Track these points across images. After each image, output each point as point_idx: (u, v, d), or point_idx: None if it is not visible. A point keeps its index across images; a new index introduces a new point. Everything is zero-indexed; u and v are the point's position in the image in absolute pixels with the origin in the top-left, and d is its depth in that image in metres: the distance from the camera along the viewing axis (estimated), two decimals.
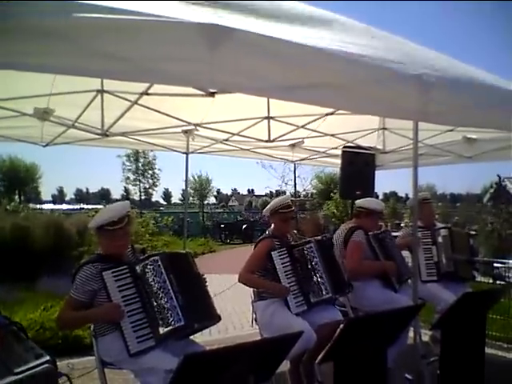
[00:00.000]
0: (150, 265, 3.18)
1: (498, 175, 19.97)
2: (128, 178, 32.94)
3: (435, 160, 6.30)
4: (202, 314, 3.32)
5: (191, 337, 3.37)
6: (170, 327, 3.06)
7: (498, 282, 7.32)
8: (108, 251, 3.24)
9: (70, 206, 38.87)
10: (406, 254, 5.03)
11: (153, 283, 3.14)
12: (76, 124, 4.41)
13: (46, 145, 5.17)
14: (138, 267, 3.16)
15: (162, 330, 3.04)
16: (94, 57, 1.75)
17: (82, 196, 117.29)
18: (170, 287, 3.16)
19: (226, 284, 9.62)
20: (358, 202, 4.90)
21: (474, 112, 2.71)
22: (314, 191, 25.83)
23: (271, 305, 3.89)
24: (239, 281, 3.95)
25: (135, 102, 3.95)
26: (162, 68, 1.86)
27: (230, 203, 75.20)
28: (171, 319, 3.07)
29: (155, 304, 3.10)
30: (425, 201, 5.14)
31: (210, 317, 3.39)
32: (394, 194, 52.61)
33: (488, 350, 4.03)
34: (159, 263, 3.19)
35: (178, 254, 3.65)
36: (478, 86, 2.76)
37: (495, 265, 7.76)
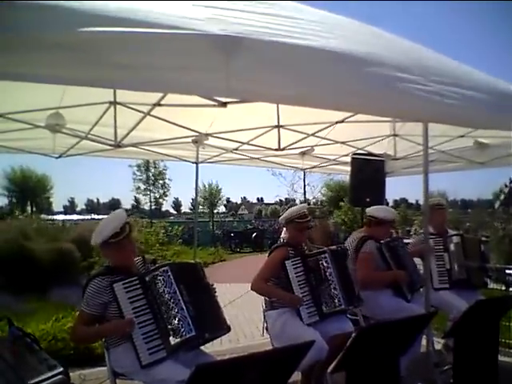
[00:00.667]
0: (160, 275, 3.17)
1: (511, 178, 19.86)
2: (138, 187, 33.00)
3: (447, 166, 6.27)
4: (212, 325, 3.33)
5: (202, 347, 3.37)
6: (181, 338, 3.06)
7: (510, 288, 7.23)
8: (117, 262, 3.24)
9: (81, 217, 39.08)
10: (418, 261, 4.99)
11: (163, 294, 3.13)
12: (89, 135, 4.45)
13: (59, 156, 5.22)
14: (147, 278, 3.15)
15: (173, 341, 3.04)
16: (108, 68, 1.78)
17: (92, 206, 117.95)
18: (180, 297, 3.16)
19: (237, 293, 9.60)
20: (368, 210, 4.82)
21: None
22: (324, 199, 25.80)
23: (283, 314, 3.87)
24: (252, 289, 3.93)
25: (148, 113, 3.98)
26: (177, 78, 1.89)
27: (240, 212, 75.25)
28: (182, 330, 3.07)
29: (166, 315, 3.09)
30: (438, 206, 5.08)
31: (219, 327, 3.40)
32: (404, 200, 52.29)
33: (501, 358, 3.98)
34: (169, 273, 3.19)
35: (188, 264, 3.65)
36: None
37: (507, 271, 7.67)
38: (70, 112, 3.88)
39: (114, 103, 3.83)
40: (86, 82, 1.89)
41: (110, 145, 4.56)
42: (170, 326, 3.07)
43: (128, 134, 4.41)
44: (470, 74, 3.06)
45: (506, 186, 20.58)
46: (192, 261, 3.79)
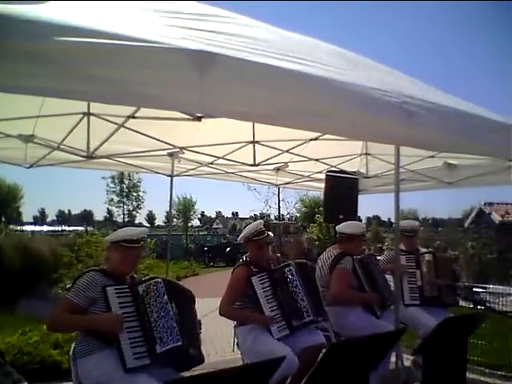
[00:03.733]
0: (154, 285, 3.27)
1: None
2: (112, 199, 32.83)
3: (417, 185, 6.39)
4: (193, 346, 3.39)
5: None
6: (167, 346, 3.12)
7: (478, 307, 7.35)
8: (115, 268, 3.27)
9: (52, 228, 38.35)
10: (390, 278, 5.03)
11: (154, 302, 3.21)
12: (61, 146, 4.40)
13: (30, 166, 5.14)
14: (140, 287, 3.22)
15: (158, 350, 3.08)
16: (81, 80, 1.76)
17: (63, 217, 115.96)
18: (170, 309, 3.27)
19: (209, 308, 9.46)
20: (338, 227, 4.90)
21: (453, 138, 2.79)
22: (298, 214, 25.85)
23: (253, 330, 3.86)
24: (220, 314, 3.93)
25: (121, 125, 3.96)
26: (151, 92, 1.89)
27: (214, 226, 74.72)
28: (170, 338, 3.15)
29: (154, 323, 3.14)
30: (407, 234, 5.18)
31: (197, 356, 3.44)
32: (376, 217, 52.83)
33: (469, 375, 4.03)
34: (162, 285, 3.32)
35: (180, 286, 3.74)
36: (455, 114, 2.86)
37: (476, 289, 7.81)
38: (44, 122, 3.84)
39: (88, 114, 3.81)
40: (58, 93, 1.87)
41: (83, 156, 4.51)
42: (156, 335, 3.11)
43: (101, 145, 4.38)
44: (445, 99, 3.13)
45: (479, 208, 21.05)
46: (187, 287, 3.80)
